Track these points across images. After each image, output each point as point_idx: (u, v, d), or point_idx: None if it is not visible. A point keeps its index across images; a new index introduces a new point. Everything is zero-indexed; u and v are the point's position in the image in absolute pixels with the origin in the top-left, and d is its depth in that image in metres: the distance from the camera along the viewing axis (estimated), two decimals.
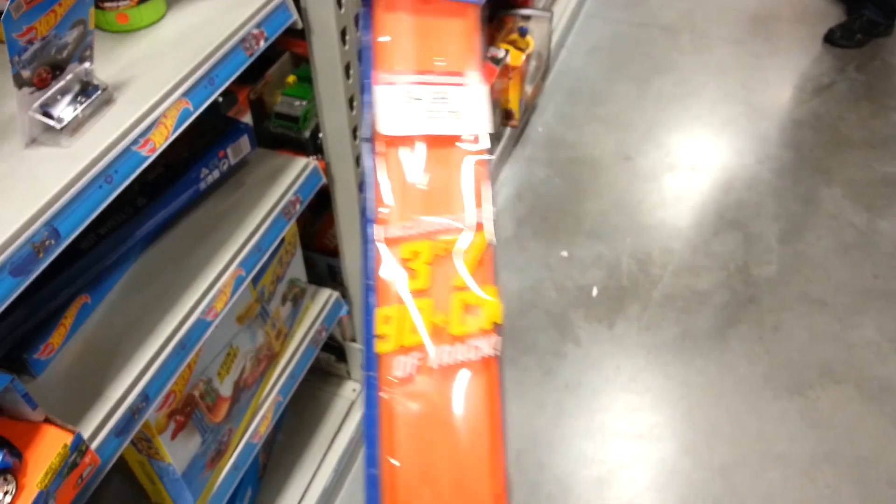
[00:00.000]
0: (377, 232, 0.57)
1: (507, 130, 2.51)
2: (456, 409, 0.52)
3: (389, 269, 0.55)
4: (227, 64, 0.96)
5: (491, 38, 2.35)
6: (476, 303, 0.55)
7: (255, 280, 1.23)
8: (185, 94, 0.90)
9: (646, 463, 1.80)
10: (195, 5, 1.01)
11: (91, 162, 0.79)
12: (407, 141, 0.61)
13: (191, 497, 1.19)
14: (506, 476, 0.52)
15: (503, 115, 2.46)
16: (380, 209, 0.58)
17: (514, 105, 2.45)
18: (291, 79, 1.51)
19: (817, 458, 1.78)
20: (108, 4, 0.93)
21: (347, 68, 1.19)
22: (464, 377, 0.53)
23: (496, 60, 2.22)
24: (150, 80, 0.88)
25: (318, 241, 1.60)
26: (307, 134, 1.45)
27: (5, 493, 0.76)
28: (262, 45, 1.01)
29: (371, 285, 0.55)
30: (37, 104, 0.78)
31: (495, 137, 2.43)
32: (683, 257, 2.25)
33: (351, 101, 1.23)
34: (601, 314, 2.11)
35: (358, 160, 1.33)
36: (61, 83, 0.79)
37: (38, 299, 0.91)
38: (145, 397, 0.95)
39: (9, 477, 0.76)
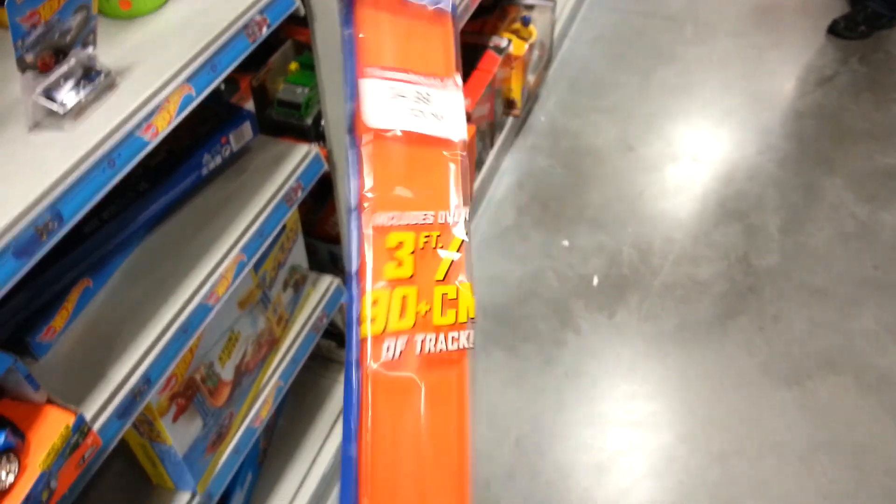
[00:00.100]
0: (364, 220, 0.58)
1: (510, 120, 2.51)
2: (432, 393, 0.55)
3: (376, 256, 0.57)
4: (229, 50, 0.96)
5: (494, 27, 2.35)
6: (453, 296, 0.58)
7: (257, 266, 1.24)
8: (188, 79, 0.90)
9: (644, 450, 1.81)
10: None
11: (94, 146, 0.79)
12: (390, 134, 0.62)
13: (192, 479, 1.20)
14: (469, 459, 0.55)
15: (505, 105, 2.46)
16: (365, 193, 0.59)
17: (516, 94, 2.45)
18: (294, 66, 1.51)
19: (814, 447, 1.79)
20: None
21: None
22: (442, 365, 0.56)
23: (499, 49, 2.21)
24: (152, 66, 0.89)
25: (320, 228, 1.60)
26: (309, 121, 1.45)
27: (8, 473, 0.77)
28: (265, 31, 1.02)
29: (352, 273, 0.57)
30: (40, 88, 0.78)
31: (498, 127, 2.43)
32: (684, 247, 2.25)
33: None
34: (602, 303, 2.11)
35: None
36: (64, 68, 0.80)
37: (41, 282, 0.92)
38: (147, 380, 0.96)
39: (11, 457, 0.77)
